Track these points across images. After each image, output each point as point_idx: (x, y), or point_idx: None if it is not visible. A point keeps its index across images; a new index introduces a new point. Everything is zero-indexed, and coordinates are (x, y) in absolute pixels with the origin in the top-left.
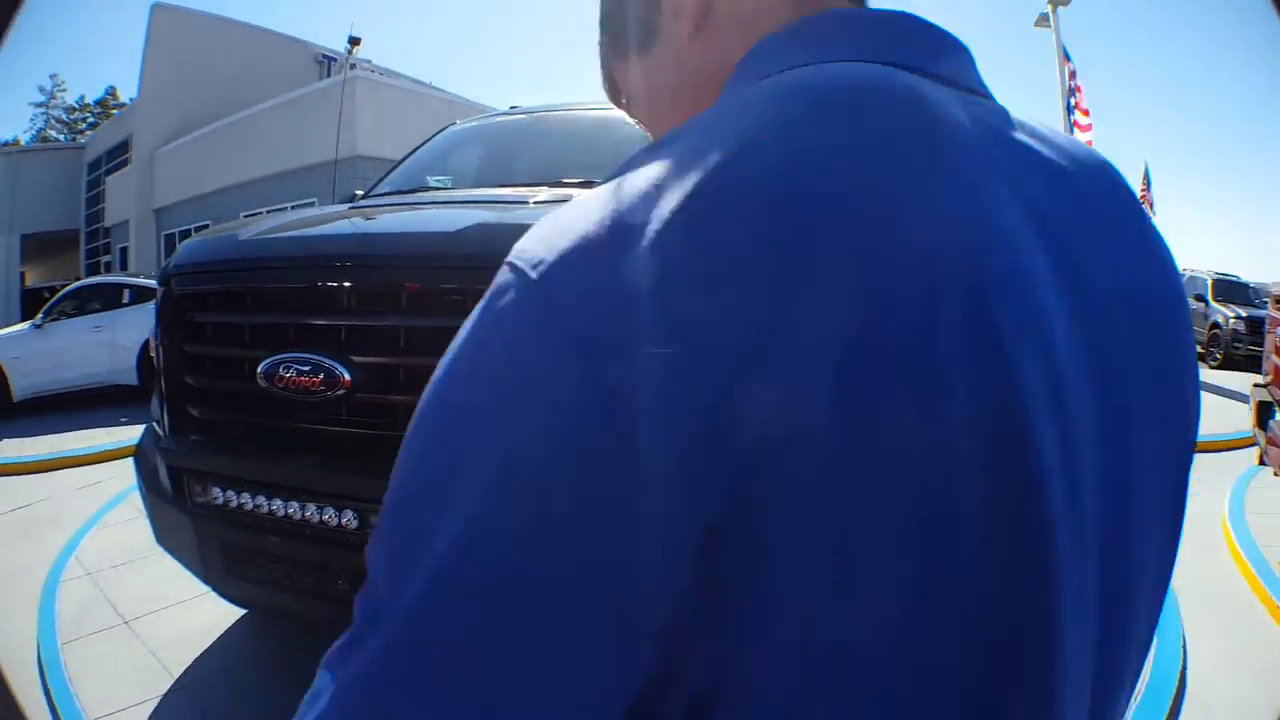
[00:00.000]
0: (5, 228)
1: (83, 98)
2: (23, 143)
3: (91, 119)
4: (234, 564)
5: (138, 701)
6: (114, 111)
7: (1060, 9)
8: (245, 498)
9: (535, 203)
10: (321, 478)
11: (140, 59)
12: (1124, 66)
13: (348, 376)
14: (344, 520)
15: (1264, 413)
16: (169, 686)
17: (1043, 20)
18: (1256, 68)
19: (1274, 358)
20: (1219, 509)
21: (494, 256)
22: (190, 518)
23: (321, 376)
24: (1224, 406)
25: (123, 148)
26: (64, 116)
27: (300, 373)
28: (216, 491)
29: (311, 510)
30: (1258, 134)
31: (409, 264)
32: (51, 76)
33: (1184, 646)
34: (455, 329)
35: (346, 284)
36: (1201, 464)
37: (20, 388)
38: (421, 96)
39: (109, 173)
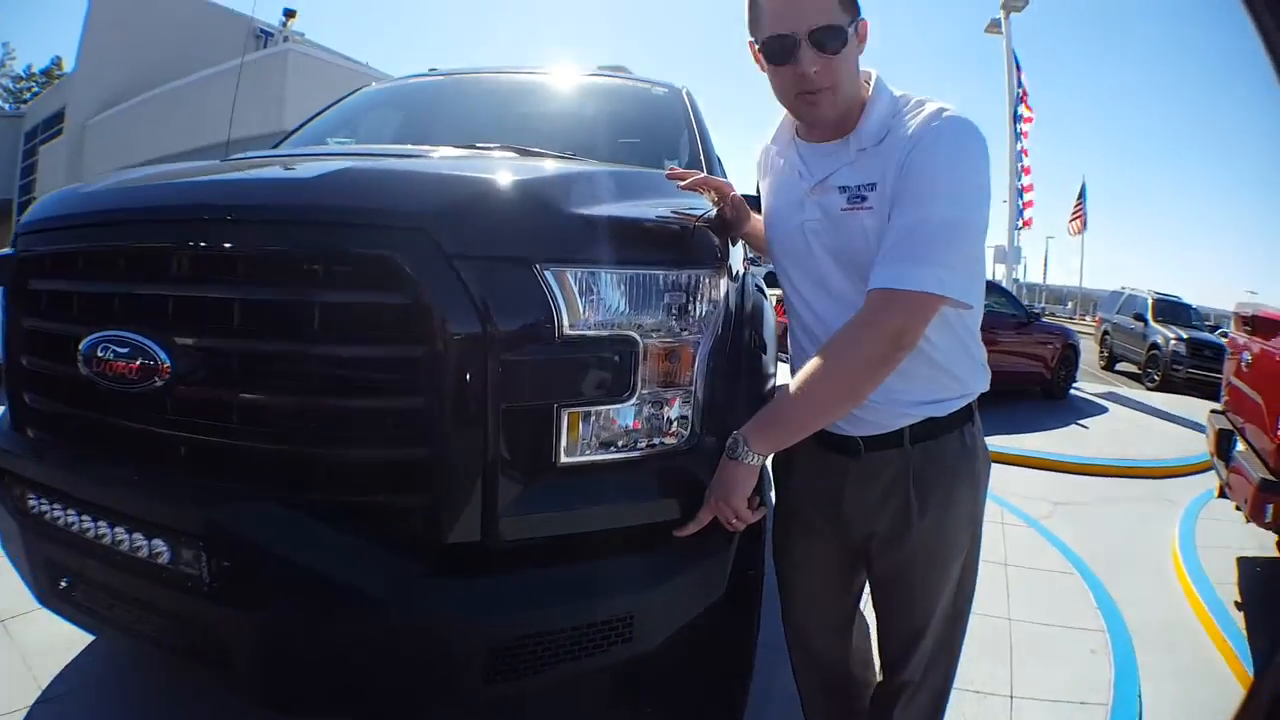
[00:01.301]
0: None
1: (30, 67)
2: None
3: (36, 88)
4: (59, 585)
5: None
6: (57, 81)
7: (1013, 15)
8: (57, 510)
9: (439, 156)
10: (120, 495)
11: (81, 28)
12: (1068, 82)
13: (167, 363)
14: (153, 550)
15: (1224, 441)
16: (34, 700)
17: (994, 26)
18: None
19: (1234, 380)
20: (1169, 541)
21: (359, 210)
22: (18, 526)
23: (139, 362)
24: (1167, 431)
25: (57, 118)
26: (10, 85)
27: (117, 355)
28: (33, 500)
29: (121, 534)
30: (1208, 157)
31: (252, 216)
32: (3, 44)
33: (1140, 698)
34: (301, 305)
35: (174, 243)
36: (1147, 491)
37: None
38: (354, 74)
39: (44, 142)
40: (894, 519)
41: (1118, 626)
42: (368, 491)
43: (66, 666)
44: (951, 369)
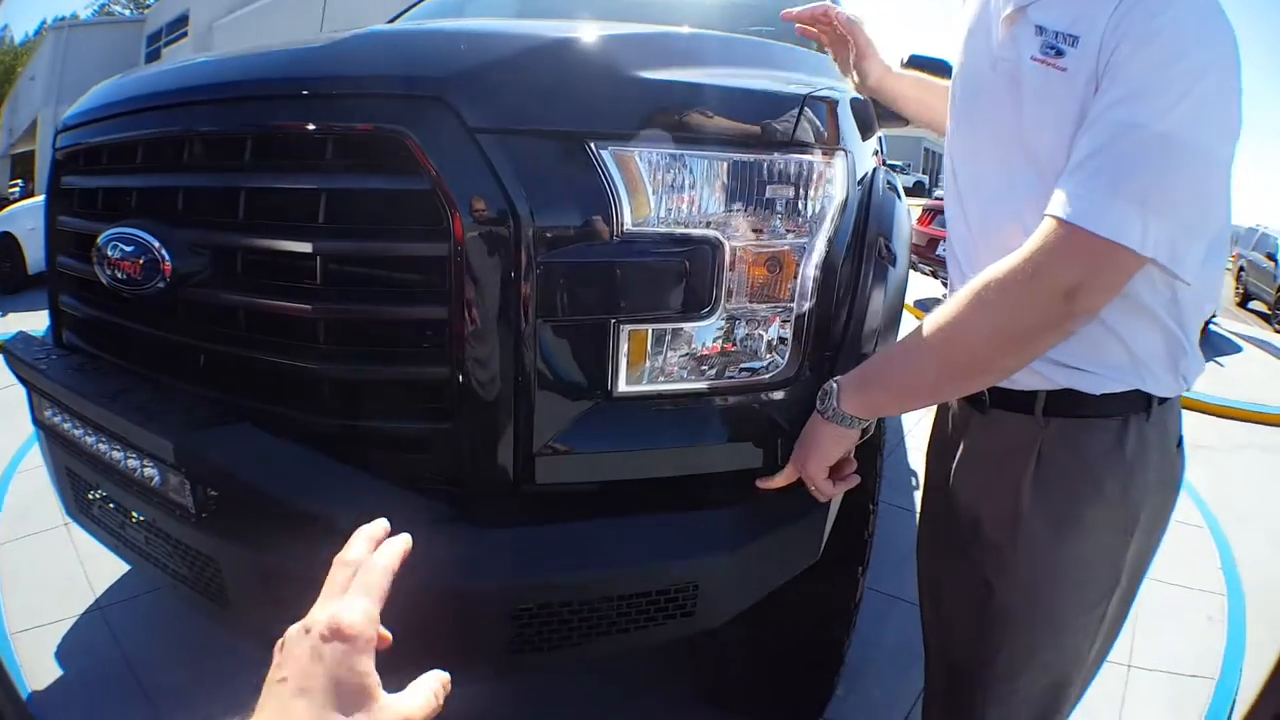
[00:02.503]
0: (54, 98)
1: None
2: (82, 18)
3: None
4: (82, 499)
5: (56, 619)
6: None
7: None
8: (67, 423)
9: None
10: (109, 413)
11: None
12: None
13: (168, 261)
14: (145, 473)
15: None
16: (87, 606)
17: None
18: None
19: None
20: None
21: (363, 79)
22: (44, 436)
23: (142, 260)
24: None
25: (181, 21)
26: None
27: (123, 254)
28: (49, 411)
29: (118, 452)
30: None
31: (247, 94)
32: None
33: (1240, 673)
34: (306, 194)
35: (174, 129)
36: (1273, 441)
37: (35, 260)
38: None
39: (167, 45)
40: (999, 511)
41: (1236, 593)
42: (377, 416)
43: (121, 577)
44: (1124, 336)
